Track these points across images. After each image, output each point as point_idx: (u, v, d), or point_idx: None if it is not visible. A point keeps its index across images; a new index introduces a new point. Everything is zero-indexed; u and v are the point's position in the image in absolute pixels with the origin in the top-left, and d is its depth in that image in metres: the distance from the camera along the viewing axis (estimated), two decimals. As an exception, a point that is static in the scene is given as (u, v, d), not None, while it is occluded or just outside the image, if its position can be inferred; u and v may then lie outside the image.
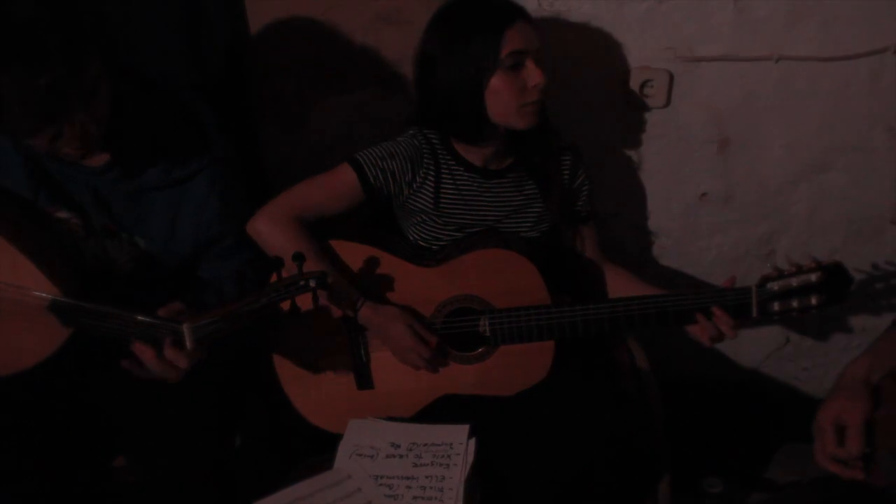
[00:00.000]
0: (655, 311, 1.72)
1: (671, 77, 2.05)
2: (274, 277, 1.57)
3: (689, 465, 1.94)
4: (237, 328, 1.50)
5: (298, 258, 1.53)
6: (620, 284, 1.95)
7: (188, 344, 1.44)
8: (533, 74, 1.67)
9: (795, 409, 2.45)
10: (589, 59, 2.06)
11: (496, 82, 1.67)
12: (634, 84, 2.06)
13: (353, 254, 1.80)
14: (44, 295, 1.53)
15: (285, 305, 1.56)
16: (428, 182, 1.81)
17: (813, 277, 1.63)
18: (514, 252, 1.77)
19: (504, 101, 1.69)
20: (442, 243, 1.85)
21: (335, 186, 1.79)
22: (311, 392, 1.86)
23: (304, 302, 1.60)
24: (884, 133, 2.09)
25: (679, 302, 1.71)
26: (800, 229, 2.24)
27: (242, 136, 1.99)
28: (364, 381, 1.84)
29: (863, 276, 2.09)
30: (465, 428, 1.73)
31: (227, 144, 1.71)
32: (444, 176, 1.81)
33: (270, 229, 1.73)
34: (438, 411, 1.83)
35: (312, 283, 1.52)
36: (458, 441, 1.72)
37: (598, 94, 2.11)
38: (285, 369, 1.85)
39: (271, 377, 1.86)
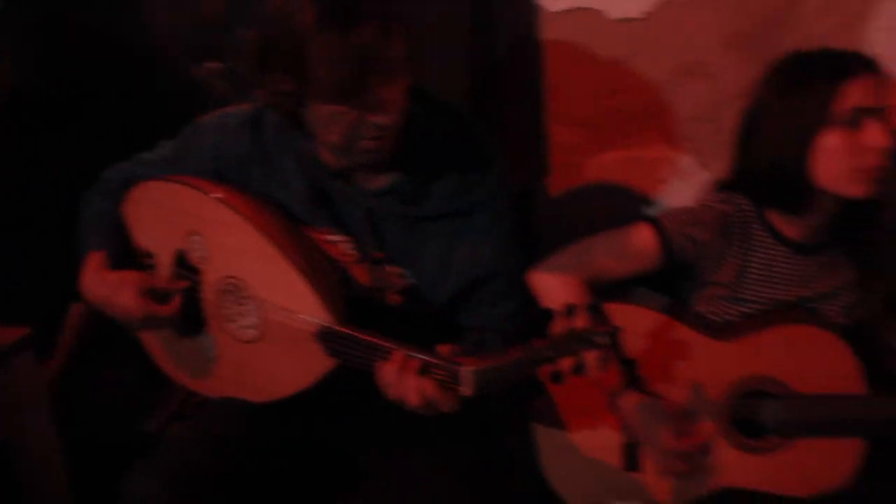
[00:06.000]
0: None
1: None
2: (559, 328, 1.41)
3: None
4: (516, 380, 1.34)
5: (594, 308, 1.36)
6: None
7: (469, 390, 1.29)
8: (875, 136, 1.44)
9: None
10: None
11: (828, 139, 1.46)
12: None
13: (632, 319, 1.62)
14: (313, 320, 1.44)
15: (567, 363, 1.38)
16: (734, 255, 1.61)
17: None
18: (823, 330, 1.54)
19: (835, 161, 1.47)
20: (730, 318, 1.63)
21: (629, 249, 1.63)
22: (569, 464, 1.69)
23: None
24: None
25: None
26: None
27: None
28: (632, 461, 1.64)
29: None
30: (754, 529, 1.50)
31: (508, 179, 1.59)
32: (752, 249, 1.61)
33: (554, 284, 1.61)
34: (716, 504, 1.60)
35: (605, 340, 1.33)
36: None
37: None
38: (547, 440, 1.70)
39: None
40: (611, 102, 1.98)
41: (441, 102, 1.59)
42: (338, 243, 1.57)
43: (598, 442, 1.66)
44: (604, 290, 1.66)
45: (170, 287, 1.61)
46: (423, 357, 1.33)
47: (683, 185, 2.00)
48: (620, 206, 2.05)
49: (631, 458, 1.64)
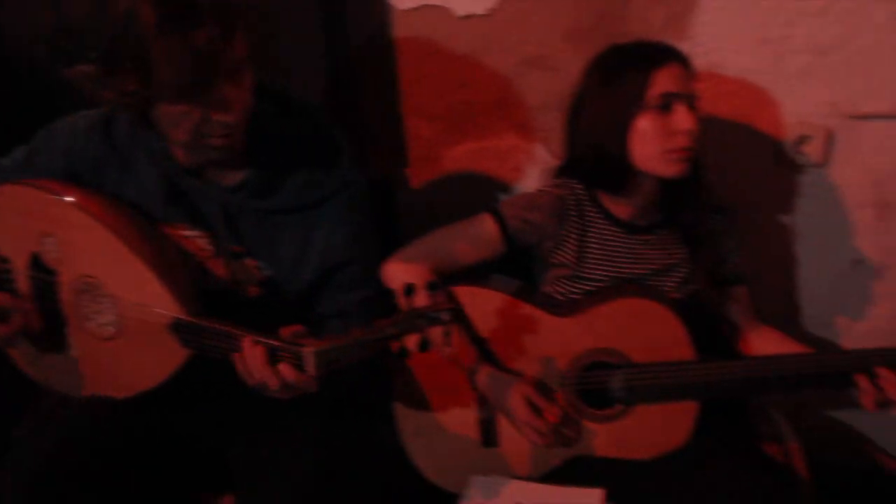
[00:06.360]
0: (814, 370, 1.58)
1: (830, 134, 1.90)
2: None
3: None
4: (360, 359, 1.40)
5: (433, 287, 1.42)
6: (772, 347, 1.78)
7: (312, 370, 1.34)
8: (682, 119, 1.57)
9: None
10: (739, 113, 1.94)
11: (642, 123, 1.58)
12: (789, 141, 1.92)
13: (480, 300, 1.70)
14: (166, 313, 1.47)
15: (412, 340, 1.44)
16: (572, 236, 1.70)
17: None
18: (654, 302, 1.64)
19: (649, 143, 1.59)
20: (574, 297, 1.72)
21: (474, 236, 1.71)
22: (431, 447, 1.75)
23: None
24: None
25: (840, 361, 1.57)
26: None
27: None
28: (489, 437, 1.72)
29: None
30: (601, 492, 1.59)
31: (360, 169, 1.64)
32: (589, 230, 1.71)
33: (402, 271, 1.67)
34: (569, 473, 1.68)
35: (446, 317, 1.41)
36: (591, 505, 1.57)
37: (748, 152, 1.97)
38: (407, 421, 1.76)
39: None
40: (463, 96, 2.05)
41: (290, 99, 1.63)
42: (194, 238, 1.60)
43: (456, 420, 1.73)
44: (460, 276, 1.73)
45: (10, 306, 1.61)
46: (268, 341, 1.37)
47: (536, 172, 2.08)
48: (478, 194, 2.12)
49: (487, 433, 1.71)
